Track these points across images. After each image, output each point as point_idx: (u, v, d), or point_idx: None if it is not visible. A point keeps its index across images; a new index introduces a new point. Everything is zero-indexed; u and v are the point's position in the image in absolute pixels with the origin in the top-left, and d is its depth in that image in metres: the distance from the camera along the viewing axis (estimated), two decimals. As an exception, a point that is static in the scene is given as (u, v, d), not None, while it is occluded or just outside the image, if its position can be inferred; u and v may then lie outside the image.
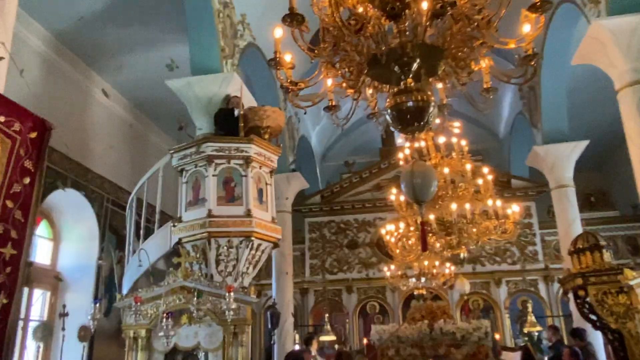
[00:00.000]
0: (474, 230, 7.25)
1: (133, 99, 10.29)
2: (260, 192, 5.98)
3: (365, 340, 6.80)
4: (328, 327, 9.05)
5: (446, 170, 6.02)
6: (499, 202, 7.04)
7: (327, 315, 9.89)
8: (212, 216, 5.54)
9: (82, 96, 9.41)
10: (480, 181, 6.71)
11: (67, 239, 9.06)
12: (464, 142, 6.67)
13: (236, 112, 5.97)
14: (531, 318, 9.06)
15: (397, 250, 6.30)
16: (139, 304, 5.08)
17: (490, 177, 6.62)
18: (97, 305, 4.95)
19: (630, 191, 14.00)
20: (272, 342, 8.50)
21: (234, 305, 4.74)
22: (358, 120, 12.70)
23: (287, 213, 10.58)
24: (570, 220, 9.19)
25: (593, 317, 7.16)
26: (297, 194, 12.61)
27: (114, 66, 9.32)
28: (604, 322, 6.96)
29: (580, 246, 6.89)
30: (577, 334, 7.71)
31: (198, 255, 5.57)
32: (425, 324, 6.58)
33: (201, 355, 5.43)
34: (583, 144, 9.14)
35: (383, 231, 6.49)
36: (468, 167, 6.35)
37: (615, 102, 6.10)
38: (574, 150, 9.18)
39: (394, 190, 6.48)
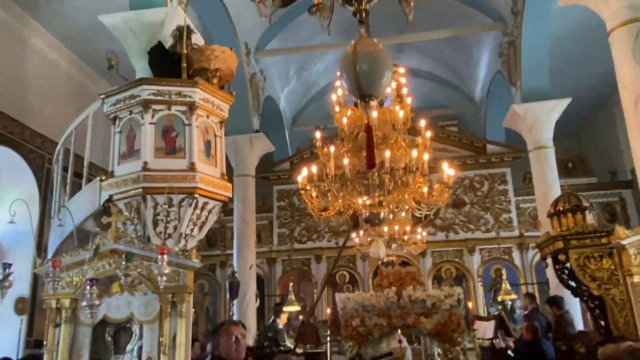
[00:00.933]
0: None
1: (76, 49, 9.28)
2: (207, 144, 5.22)
3: (329, 310, 6.21)
4: (292, 297, 8.48)
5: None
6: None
7: (291, 284, 9.30)
8: (148, 170, 4.77)
9: (18, 45, 8.41)
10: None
11: (3, 204, 8.17)
12: (405, 91, 5.74)
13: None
14: (506, 286, 8.61)
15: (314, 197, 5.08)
16: (57, 269, 4.34)
17: (428, 134, 5.36)
18: (7, 271, 4.19)
19: (608, 158, 13.73)
20: (231, 313, 7.87)
21: (167, 270, 4.04)
22: (329, 84, 11.95)
23: (251, 177, 9.85)
24: (549, 184, 8.70)
25: (573, 283, 6.70)
26: (265, 161, 11.88)
27: (53, 11, 8.31)
28: (585, 288, 6.51)
29: (562, 208, 6.37)
30: (554, 302, 7.28)
31: (132, 215, 4.83)
32: (392, 292, 5.99)
33: (135, 328, 4.74)
34: (564, 102, 8.59)
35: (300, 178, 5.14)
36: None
37: (594, 64, 5.56)
38: (555, 109, 8.63)
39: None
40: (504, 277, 8.96)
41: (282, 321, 8.20)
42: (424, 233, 8.88)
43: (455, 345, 5.80)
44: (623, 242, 4.01)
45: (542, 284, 9.97)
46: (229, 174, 10.03)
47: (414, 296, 6.01)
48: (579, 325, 7.77)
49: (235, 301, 8.31)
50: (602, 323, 6.41)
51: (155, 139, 4.94)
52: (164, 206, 4.76)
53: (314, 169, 4.82)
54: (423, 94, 13.66)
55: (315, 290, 11.86)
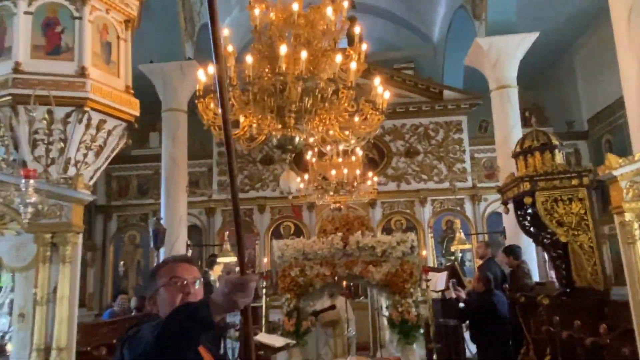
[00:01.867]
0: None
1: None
2: (107, 47, 4.09)
3: (265, 259, 5.35)
4: (228, 247, 7.58)
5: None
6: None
7: (227, 233, 8.36)
8: (22, 72, 3.63)
9: None
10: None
11: None
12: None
13: None
14: (460, 235, 8.02)
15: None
16: None
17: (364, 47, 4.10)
18: None
19: (565, 108, 13.35)
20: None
21: (34, 199, 2.99)
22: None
23: (181, 112, 8.65)
24: (511, 126, 8.05)
25: (535, 230, 6.13)
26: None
27: None
28: (549, 236, 5.94)
29: (529, 145, 5.68)
30: (511, 252, 6.72)
31: (2, 132, 3.69)
32: (338, 238, 5.18)
33: (6, 277, 3.70)
34: (532, 37, 7.84)
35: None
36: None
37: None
38: (522, 44, 7.87)
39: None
40: (459, 225, 8.36)
41: (215, 273, 7.31)
42: (375, 178, 8.08)
43: (406, 297, 5.10)
44: (615, 173, 3.28)
45: (495, 235, 9.50)
46: (156, 107, 8.83)
47: (362, 243, 5.23)
48: (535, 277, 7.29)
49: (162, 250, 7.31)
50: (564, 273, 5.91)
51: (32, 34, 3.76)
52: (43, 121, 3.65)
53: (211, 69, 3.73)
54: (378, 34, 12.65)
55: (257, 242, 11.01)
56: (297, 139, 3.64)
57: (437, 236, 11.29)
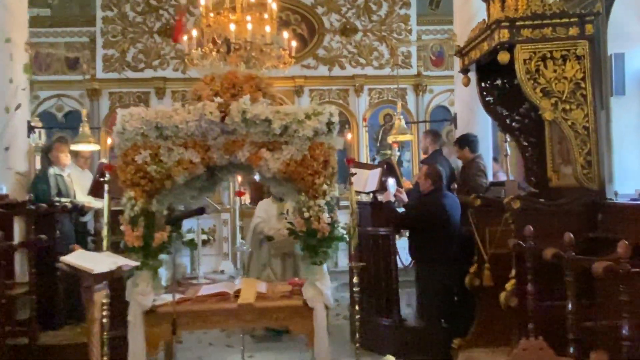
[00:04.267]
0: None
1: None
2: None
3: (109, 140, 3.39)
4: (86, 129, 5.49)
5: None
6: None
7: (84, 111, 6.19)
8: None
9: None
10: None
11: None
12: None
13: None
14: (400, 123, 6.22)
15: None
16: None
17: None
18: None
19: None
20: None
21: None
22: None
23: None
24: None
25: (503, 110, 4.47)
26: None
27: None
28: (522, 116, 4.31)
29: (509, -25, 3.81)
30: (466, 142, 5.14)
31: None
32: (213, 105, 3.26)
33: None
34: None
35: None
36: None
37: None
38: None
39: None
40: (399, 109, 6.54)
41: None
42: (294, 43, 6.02)
43: (316, 197, 3.35)
44: None
45: (441, 124, 7.90)
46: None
47: (252, 113, 3.32)
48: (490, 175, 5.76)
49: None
50: (535, 168, 4.38)
51: None
52: None
53: None
54: None
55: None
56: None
57: (372, 133, 9.62)
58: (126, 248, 3.26)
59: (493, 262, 3.95)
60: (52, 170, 5.14)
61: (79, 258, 2.92)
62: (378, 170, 5.28)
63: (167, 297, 3.42)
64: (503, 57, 3.54)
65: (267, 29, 5.37)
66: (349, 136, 4.53)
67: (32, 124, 5.74)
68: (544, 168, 4.13)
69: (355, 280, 3.53)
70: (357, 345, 3.51)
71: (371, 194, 5.25)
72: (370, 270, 5.00)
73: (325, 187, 3.33)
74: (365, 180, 5.32)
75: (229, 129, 3.32)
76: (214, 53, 5.77)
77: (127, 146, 3.30)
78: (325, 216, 3.31)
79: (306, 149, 3.33)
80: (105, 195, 3.40)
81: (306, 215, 3.31)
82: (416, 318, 5.18)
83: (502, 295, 3.52)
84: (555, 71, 3.54)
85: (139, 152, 3.27)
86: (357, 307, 3.55)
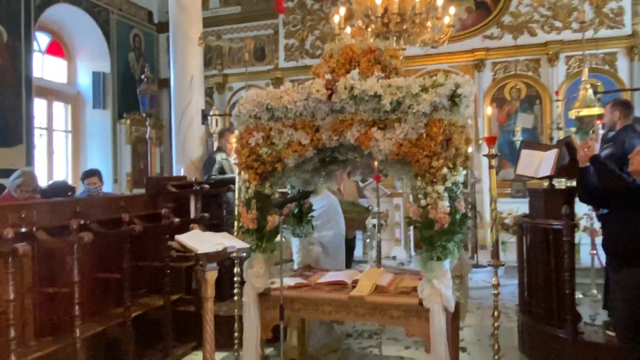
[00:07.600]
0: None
1: None
2: None
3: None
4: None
5: None
6: None
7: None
8: None
9: None
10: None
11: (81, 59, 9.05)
12: None
13: None
14: (585, 92, 4.97)
15: None
16: None
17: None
18: None
19: None
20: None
21: None
22: None
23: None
24: None
25: None
26: None
27: None
28: None
29: None
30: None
31: None
32: (320, 83, 3.03)
33: None
34: None
35: None
36: None
37: None
38: None
39: None
40: (584, 78, 5.17)
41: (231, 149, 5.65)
42: (452, 10, 5.32)
43: (434, 182, 2.89)
44: None
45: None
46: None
47: (359, 89, 3.00)
48: None
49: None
50: None
51: None
52: None
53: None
54: None
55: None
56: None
57: (569, 106, 8.21)
58: (240, 230, 3.29)
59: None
60: (219, 156, 5.56)
61: (190, 238, 3.03)
62: (554, 151, 4.40)
63: (289, 281, 3.37)
64: None
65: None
66: (488, 110, 3.78)
67: (211, 112, 6.30)
68: None
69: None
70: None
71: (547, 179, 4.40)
72: (537, 270, 4.26)
73: (445, 170, 2.84)
74: (539, 164, 4.51)
75: (337, 107, 3.06)
76: (369, 29, 5.51)
77: (241, 129, 3.31)
78: (445, 204, 2.83)
79: (422, 126, 2.88)
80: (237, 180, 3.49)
81: (422, 203, 2.88)
82: (604, 332, 4.21)
83: None
84: None
85: (252, 135, 3.25)
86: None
